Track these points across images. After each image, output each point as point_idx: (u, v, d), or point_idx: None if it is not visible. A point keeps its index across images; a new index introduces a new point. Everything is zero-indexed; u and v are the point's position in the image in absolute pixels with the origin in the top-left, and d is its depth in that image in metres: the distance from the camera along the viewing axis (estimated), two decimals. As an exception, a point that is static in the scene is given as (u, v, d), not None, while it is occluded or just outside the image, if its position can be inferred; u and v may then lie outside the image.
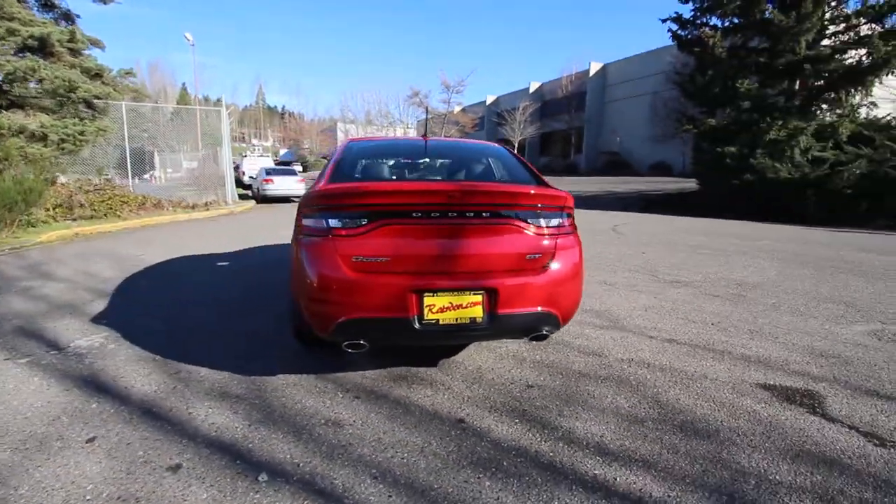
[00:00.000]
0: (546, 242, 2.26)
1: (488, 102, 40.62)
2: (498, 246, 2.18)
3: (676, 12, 16.51)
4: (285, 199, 15.84)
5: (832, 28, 13.63)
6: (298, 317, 2.58)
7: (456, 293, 2.09)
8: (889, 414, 2.20)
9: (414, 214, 2.12)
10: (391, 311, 2.06)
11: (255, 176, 17.79)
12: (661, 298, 4.18)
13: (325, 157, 41.17)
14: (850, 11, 13.37)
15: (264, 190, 15.15)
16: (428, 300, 2.07)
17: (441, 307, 2.08)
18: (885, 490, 1.66)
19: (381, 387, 2.41)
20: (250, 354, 2.80)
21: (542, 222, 2.27)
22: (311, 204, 2.25)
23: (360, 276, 2.06)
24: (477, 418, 2.12)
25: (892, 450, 1.91)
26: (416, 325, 2.07)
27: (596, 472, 1.75)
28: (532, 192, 2.28)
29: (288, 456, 1.82)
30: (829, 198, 12.76)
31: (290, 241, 2.65)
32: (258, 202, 15.29)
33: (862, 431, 2.05)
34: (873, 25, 12.76)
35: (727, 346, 3.08)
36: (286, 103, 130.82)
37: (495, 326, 2.14)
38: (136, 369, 2.58)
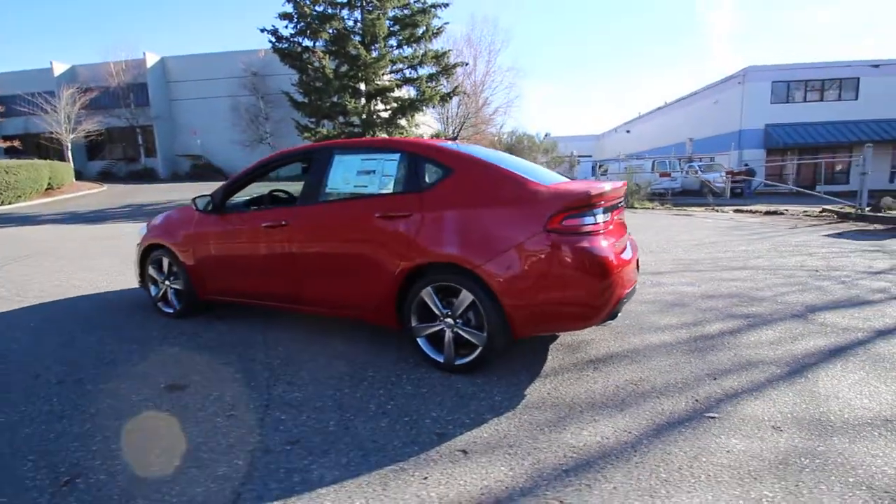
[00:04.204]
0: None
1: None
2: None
3: (274, 27, 17.67)
4: None
5: (388, 68, 18.84)
6: (507, 329, 2.49)
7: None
8: (682, 277, 4.84)
9: (615, 205, 2.76)
10: (632, 283, 2.68)
11: None
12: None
13: None
14: (395, 58, 18.94)
15: None
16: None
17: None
18: (700, 296, 4.07)
19: (599, 368, 2.84)
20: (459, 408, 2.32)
21: None
22: (578, 203, 2.37)
23: (618, 258, 2.54)
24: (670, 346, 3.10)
25: (691, 286, 4.44)
26: (634, 290, 2.79)
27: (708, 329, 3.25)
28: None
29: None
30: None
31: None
32: None
33: (682, 283, 4.53)
34: (414, 71, 18.71)
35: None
36: None
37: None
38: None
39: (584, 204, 2.41)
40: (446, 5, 18.08)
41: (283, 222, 3.07)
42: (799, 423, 2.09)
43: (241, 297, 3.45)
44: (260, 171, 3.41)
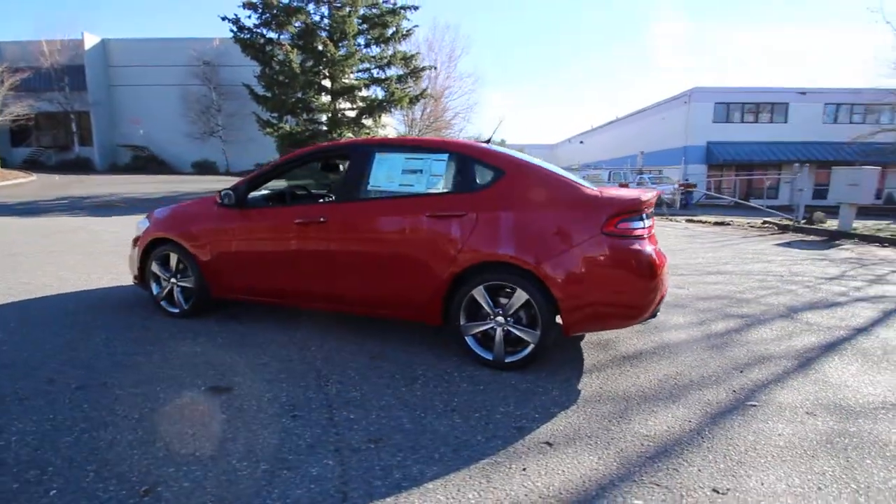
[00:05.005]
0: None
1: None
2: None
3: (236, 16, 16.88)
4: None
5: (356, 67, 18.56)
6: (558, 327, 2.60)
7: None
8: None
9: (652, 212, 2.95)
10: (667, 285, 2.87)
11: None
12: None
13: None
14: (363, 56, 18.68)
15: None
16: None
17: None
18: (693, 298, 4.43)
19: (635, 364, 3.00)
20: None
21: None
22: (631, 208, 2.51)
23: (660, 260, 2.72)
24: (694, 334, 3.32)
25: (681, 289, 4.79)
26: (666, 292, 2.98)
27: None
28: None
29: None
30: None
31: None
32: None
33: (672, 286, 4.86)
34: (382, 72, 18.54)
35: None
36: None
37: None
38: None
39: (636, 209, 2.57)
40: (416, 8, 18.10)
41: (322, 219, 2.99)
42: (826, 408, 2.35)
43: (267, 296, 3.32)
44: (289, 167, 3.31)
